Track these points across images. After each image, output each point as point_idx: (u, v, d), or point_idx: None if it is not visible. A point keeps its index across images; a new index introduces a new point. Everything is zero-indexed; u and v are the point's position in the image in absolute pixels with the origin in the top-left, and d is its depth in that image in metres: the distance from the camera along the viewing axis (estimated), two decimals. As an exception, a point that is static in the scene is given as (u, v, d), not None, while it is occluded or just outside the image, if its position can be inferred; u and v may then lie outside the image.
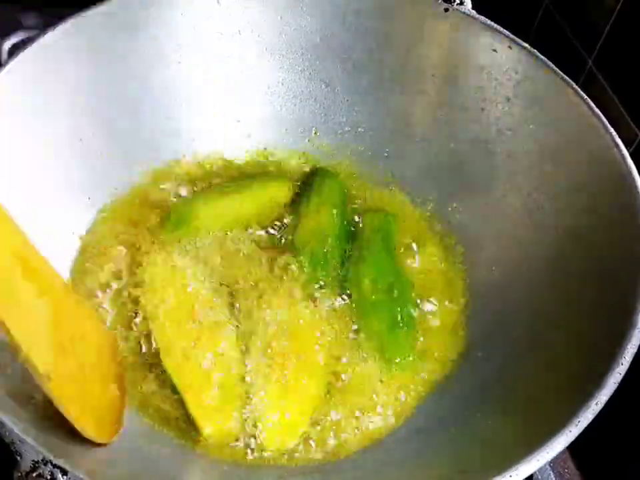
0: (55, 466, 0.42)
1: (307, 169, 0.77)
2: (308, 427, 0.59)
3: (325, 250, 0.69)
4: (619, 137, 0.60)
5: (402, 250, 0.72)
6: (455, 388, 0.62)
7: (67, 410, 0.48)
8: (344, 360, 0.63)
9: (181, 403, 0.59)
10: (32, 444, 0.42)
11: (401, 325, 0.65)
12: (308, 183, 0.75)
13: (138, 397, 0.59)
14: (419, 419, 0.61)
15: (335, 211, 0.72)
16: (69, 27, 0.64)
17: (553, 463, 0.69)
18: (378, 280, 0.67)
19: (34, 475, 0.42)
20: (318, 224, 0.71)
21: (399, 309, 0.66)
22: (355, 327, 0.65)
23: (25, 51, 0.61)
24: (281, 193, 0.74)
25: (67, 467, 0.42)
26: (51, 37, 0.63)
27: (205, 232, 0.69)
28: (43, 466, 0.42)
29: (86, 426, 0.50)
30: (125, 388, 0.58)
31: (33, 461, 0.42)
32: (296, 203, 0.73)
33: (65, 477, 0.42)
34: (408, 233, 0.73)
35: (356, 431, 0.60)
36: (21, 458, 0.43)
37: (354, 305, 0.66)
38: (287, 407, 0.59)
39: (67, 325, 0.53)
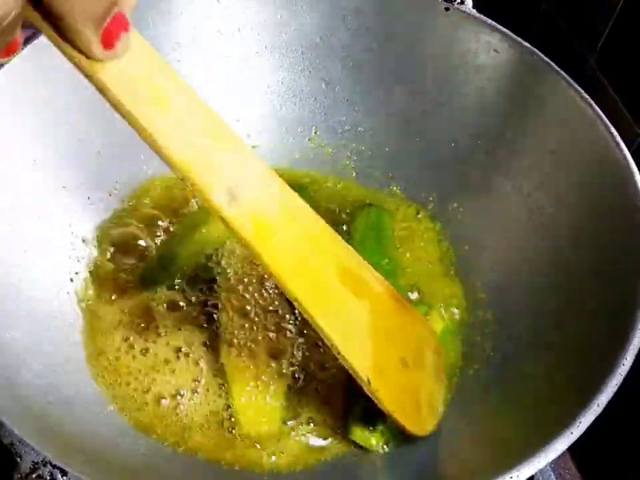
0: (54, 467, 0.42)
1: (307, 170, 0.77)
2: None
3: None
4: (620, 137, 0.59)
5: (399, 249, 0.72)
6: (455, 390, 0.61)
7: (388, 407, 0.53)
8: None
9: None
10: (32, 445, 0.42)
11: None
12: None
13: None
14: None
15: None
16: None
17: (554, 465, 0.69)
18: None
19: (34, 476, 0.41)
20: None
21: None
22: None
23: (24, 50, 0.61)
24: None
25: (66, 468, 0.42)
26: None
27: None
28: (42, 467, 0.42)
29: (406, 421, 0.54)
30: (443, 379, 0.60)
31: (33, 462, 0.42)
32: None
33: (64, 478, 0.41)
34: (407, 233, 0.73)
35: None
36: (20, 459, 0.43)
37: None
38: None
39: (388, 325, 0.56)
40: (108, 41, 0.39)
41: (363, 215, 0.73)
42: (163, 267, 0.68)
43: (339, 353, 0.51)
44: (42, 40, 0.62)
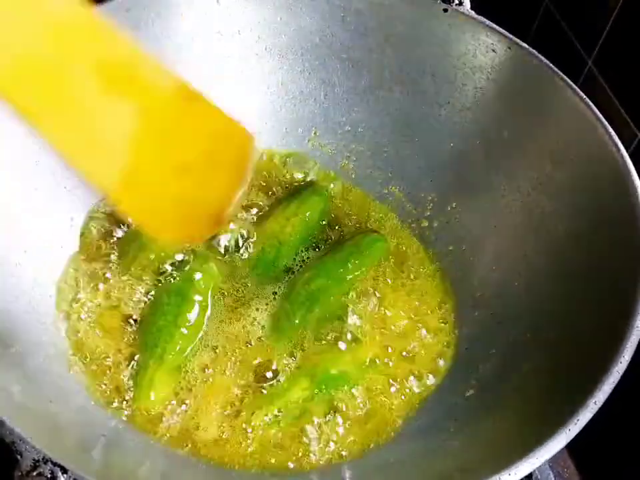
0: (55, 464, 0.42)
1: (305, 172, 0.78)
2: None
3: (273, 255, 0.70)
4: (618, 137, 0.60)
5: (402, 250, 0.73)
6: (454, 387, 0.62)
7: (136, 218, 0.48)
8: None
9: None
10: (32, 444, 0.42)
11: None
12: (294, 193, 0.75)
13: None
14: (418, 419, 0.61)
15: (303, 222, 0.72)
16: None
17: (552, 462, 0.69)
18: (310, 281, 0.68)
19: (34, 473, 0.42)
20: (280, 229, 0.71)
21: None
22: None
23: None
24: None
25: (67, 466, 0.42)
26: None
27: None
28: (43, 465, 0.42)
29: (166, 230, 0.49)
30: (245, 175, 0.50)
31: (34, 459, 0.42)
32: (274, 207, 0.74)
33: (65, 476, 0.42)
34: (405, 232, 0.74)
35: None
36: (21, 457, 0.43)
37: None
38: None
39: (165, 127, 0.48)
40: None
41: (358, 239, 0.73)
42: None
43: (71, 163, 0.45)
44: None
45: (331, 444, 0.59)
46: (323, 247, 0.72)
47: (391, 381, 0.63)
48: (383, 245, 0.72)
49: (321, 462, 0.58)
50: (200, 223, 0.50)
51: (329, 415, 0.60)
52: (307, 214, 0.73)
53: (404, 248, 0.73)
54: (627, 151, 0.59)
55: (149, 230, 0.50)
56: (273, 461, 0.58)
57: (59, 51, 0.43)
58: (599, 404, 0.47)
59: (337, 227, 0.74)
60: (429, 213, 0.74)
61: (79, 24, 0.44)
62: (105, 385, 0.60)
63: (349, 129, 0.77)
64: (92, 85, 0.44)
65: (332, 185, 0.77)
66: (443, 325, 0.67)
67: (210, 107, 0.52)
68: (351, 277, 0.69)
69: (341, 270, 0.69)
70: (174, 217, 0.49)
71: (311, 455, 0.58)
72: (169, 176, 0.48)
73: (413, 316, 0.68)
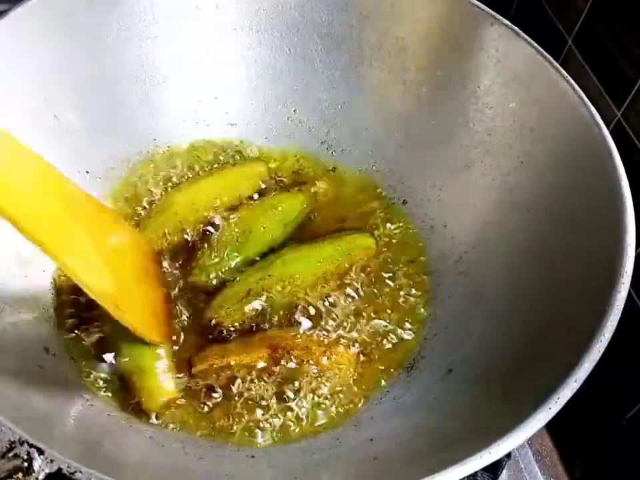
0: (31, 446, 0.41)
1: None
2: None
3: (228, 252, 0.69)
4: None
5: (381, 230, 0.72)
6: (433, 365, 0.62)
7: (133, 326, 0.57)
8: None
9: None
10: (8, 425, 0.41)
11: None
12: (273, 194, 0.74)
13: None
14: (397, 396, 0.61)
15: (273, 223, 0.71)
16: (43, 1, 0.63)
17: (531, 440, 0.70)
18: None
19: (10, 455, 0.41)
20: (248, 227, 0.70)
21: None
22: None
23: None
24: (254, 173, 0.75)
25: (42, 447, 0.42)
26: (24, 11, 0.62)
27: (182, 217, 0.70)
28: (19, 446, 0.41)
29: (149, 334, 0.59)
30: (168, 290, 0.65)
31: (10, 441, 0.42)
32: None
33: (41, 457, 0.41)
34: (385, 212, 0.74)
35: (332, 409, 0.60)
36: (-4, 438, 0.42)
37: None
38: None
39: (110, 245, 0.60)
40: None
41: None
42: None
43: (90, 292, 0.55)
44: (15, 15, 0.61)
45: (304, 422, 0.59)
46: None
47: (368, 356, 0.64)
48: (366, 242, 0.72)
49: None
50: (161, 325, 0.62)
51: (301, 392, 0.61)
52: (283, 208, 0.72)
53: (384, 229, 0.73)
54: (608, 130, 0.59)
55: (144, 334, 0.59)
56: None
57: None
58: (580, 382, 0.47)
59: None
60: (409, 191, 0.74)
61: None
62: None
63: (329, 105, 0.76)
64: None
65: (317, 185, 0.75)
66: (421, 303, 0.68)
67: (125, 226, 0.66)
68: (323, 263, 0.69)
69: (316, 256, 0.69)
70: (148, 320, 0.60)
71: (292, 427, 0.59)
72: (133, 288, 0.60)
73: (390, 292, 0.68)
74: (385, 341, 0.65)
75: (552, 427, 0.69)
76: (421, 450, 0.52)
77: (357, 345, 0.64)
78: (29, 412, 0.49)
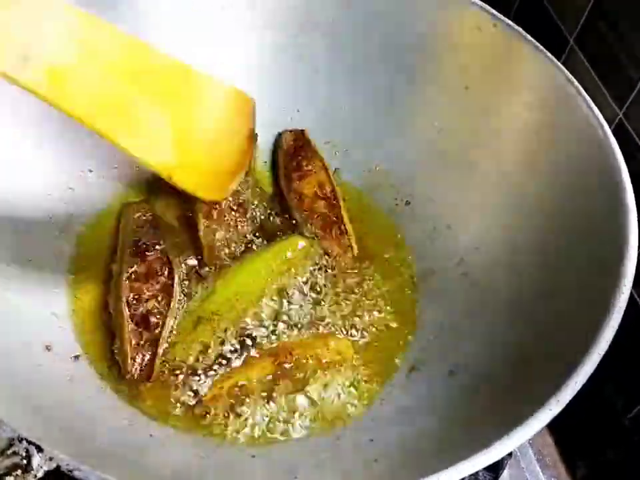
0: (30, 443, 0.41)
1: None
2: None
3: None
4: (601, 116, 0.60)
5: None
6: (435, 366, 0.62)
7: (190, 190, 0.61)
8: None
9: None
10: (8, 423, 0.41)
11: None
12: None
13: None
14: (398, 397, 0.61)
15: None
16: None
17: (532, 440, 0.70)
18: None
19: (9, 452, 0.41)
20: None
21: None
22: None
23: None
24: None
25: (42, 445, 0.42)
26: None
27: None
28: (18, 443, 0.41)
29: (206, 194, 0.63)
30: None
31: (9, 438, 0.42)
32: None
33: (40, 454, 0.41)
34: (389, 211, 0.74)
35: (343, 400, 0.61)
36: (-5, 435, 0.42)
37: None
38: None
39: (188, 107, 0.61)
40: None
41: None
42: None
43: (139, 161, 0.58)
44: None
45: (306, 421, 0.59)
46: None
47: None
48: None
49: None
50: (228, 177, 0.65)
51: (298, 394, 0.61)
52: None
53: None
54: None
55: (195, 192, 0.62)
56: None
57: (120, 78, 0.56)
58: (581, 383, 0.47)
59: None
60: (412, 192, 0.74)
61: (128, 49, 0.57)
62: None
63: (332, 106, 0.76)
64: (138, 96, 0.57)
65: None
66: (422, 303, 0.68)
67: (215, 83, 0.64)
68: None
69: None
70: (210, 178, 0.63)
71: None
72: (204, 148, 0.62)
73: (388, 296, 0.69)
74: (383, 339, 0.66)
75: (553, 426, 0.69)
76: (422, 451, 0.52)
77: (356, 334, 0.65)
78: (27, 409, 0.49)
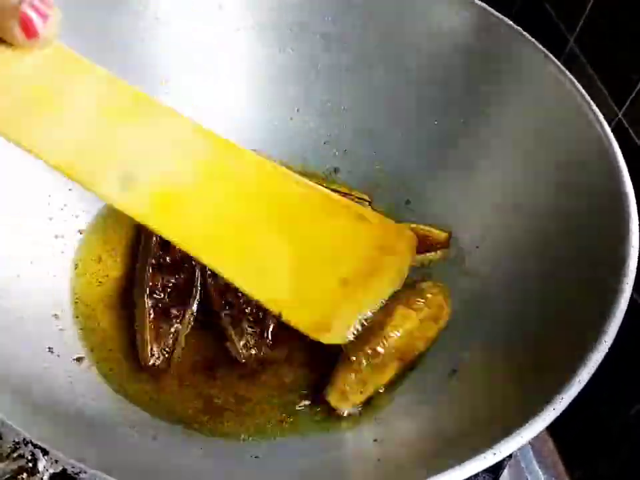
0: (35, 446, 0.41)
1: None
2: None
3: None
4: (600, 116, 0.60)
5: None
6: (437, 365, 0.62)
7: (302, 329, 0.52)
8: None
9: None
10: (13, 426, 0.41)
11: None
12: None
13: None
14: (401, 397, 0.61)
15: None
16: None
17: (532, 440, 0.70)
18: None
19: (15, 455, 0.41)
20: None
21: None
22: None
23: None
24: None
25: (47, 448, 0.42)
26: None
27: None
28: (24, 446, 0.41)
29: (321, 337, 0.53)
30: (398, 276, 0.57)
31: (14, 441, 0.42)
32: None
33: (46, 457, 0.41)
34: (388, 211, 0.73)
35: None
36: (1, 439, 0.42)
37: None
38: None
39: (323, 247, 0.53)
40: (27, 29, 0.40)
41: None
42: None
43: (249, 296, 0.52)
44: None
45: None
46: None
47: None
48: None
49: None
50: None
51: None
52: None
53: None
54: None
55: (310, 332, 0.53)
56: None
57: (245, 206, 0.50)
58: (583, 382, 0.47)
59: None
60: (412, 191, 0.73)
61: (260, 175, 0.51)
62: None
63: (332, 106, 0.76)
64: (262, 228, 0.51)
65: None
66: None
67: (376, 220, 0.58)
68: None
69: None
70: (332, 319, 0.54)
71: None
72: (332, 287, 0.53)
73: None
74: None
75: (553, 426, 0.69)
76: (425, 451, 0.52)
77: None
78: (31, 412, 0.49)
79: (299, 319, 0.53)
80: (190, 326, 0.63)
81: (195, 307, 0.64)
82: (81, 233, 0.68)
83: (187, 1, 0.71)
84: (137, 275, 0.66)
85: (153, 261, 0.65)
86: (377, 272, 0.55)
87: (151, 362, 0.60)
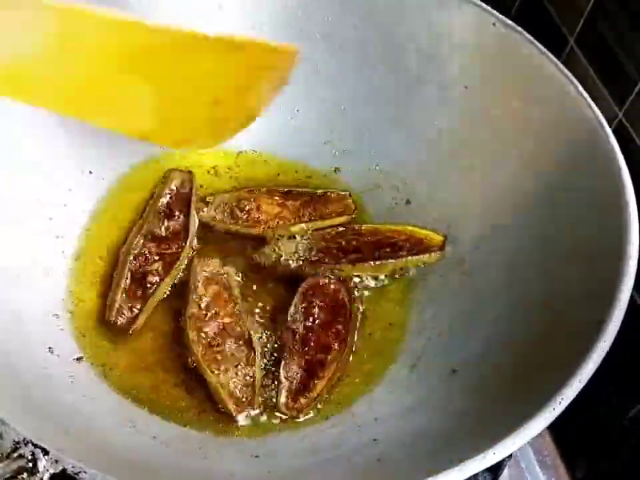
0: (36, 446, 0.41)
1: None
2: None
3: None
4: (600, 116, 0.60)
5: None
6: (437, 365, 0.62)
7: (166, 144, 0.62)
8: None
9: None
10: (13, 426, 0.41)
11: None
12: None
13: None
14: (401, 397, 0.61)
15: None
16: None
17: (532, 440, 0.70)
18: None
19: (15, 455, 0.41)
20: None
21: None
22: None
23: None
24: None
25: (48, 448, 0.42)
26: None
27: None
28: (24, 446, 0.41)
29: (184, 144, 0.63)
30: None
31: (14, 441, 0.42)
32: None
33: (46, 457, 0.41)
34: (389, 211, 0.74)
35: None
36: (1, 438, 0.42)
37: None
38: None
39: (188, 73, 0.57)
40: None
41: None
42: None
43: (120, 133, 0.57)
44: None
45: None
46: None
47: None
48: None
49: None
50: (230, 128, 0.63)
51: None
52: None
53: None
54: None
55: (184, 146, 0.64)
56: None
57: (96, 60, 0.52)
58: (583, 383, 0.47)
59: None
60: (412, 191, 0.73)
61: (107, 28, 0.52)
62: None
63: (332, 106, 0.76)
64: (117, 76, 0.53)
65: None
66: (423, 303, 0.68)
67: (252, 47, 0.59)
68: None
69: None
70: (206, 132, 0.62)
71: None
72: (202, 108, 0.59)
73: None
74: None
75: (553, 426, 0.69)
76: (425, 451, 0.52)
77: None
78: (31, 412, 0.49)
79: (164, 138, 0.60)
80: (164, 296, 0.66)
81: (175, 280, 0.66)
82: (80, 233, 0.68)
83: (187, 1, 0.72)
84: (128, 237, 0.68)
85: (145, 228, 0.68)
86: (252, 87, 0.61)
87: (113, 319, 0.63)
